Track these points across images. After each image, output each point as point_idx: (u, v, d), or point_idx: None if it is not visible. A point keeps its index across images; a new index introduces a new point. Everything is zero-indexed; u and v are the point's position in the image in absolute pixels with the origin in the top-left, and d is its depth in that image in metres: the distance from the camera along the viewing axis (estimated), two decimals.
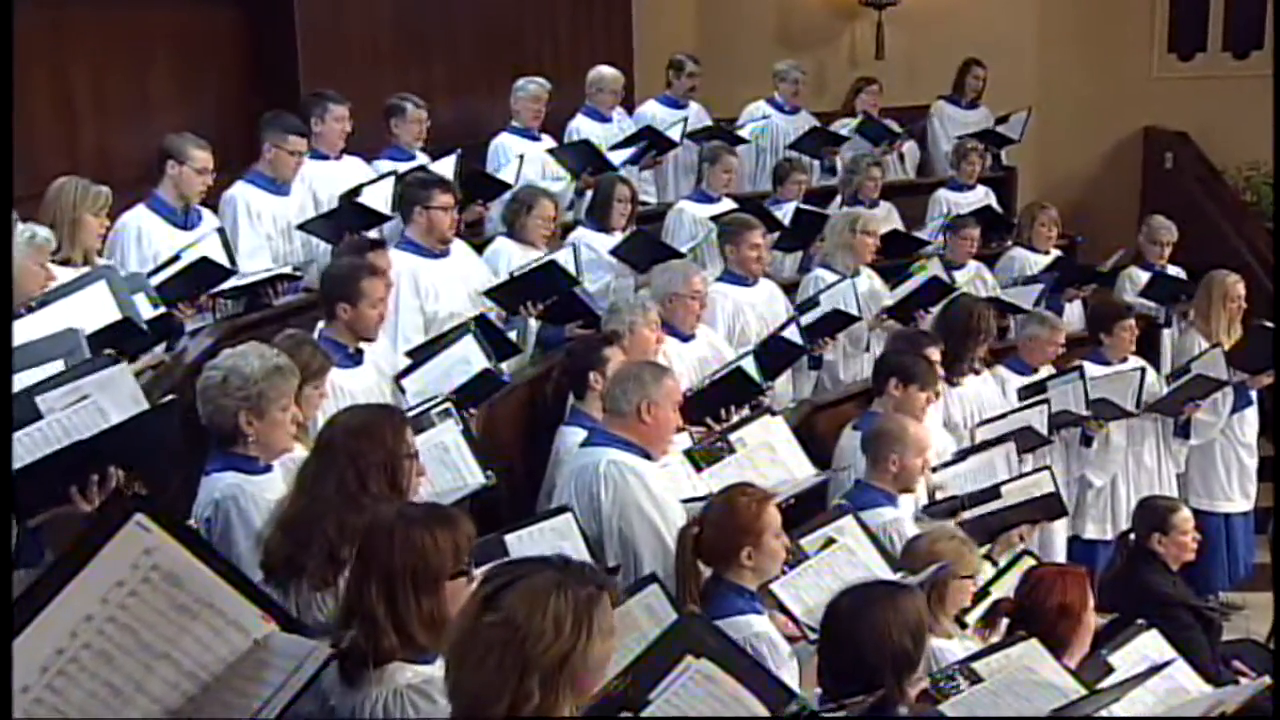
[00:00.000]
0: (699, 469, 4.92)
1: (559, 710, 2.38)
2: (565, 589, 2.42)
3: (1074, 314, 8.12)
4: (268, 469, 3.94)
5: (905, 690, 3.29)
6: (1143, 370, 7.06)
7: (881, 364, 5.96)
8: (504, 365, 5.60)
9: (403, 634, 2.86)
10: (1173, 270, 8.38)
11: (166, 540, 2.38)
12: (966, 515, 5.39)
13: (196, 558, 2.41)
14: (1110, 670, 4.27)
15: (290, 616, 2.59)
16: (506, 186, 7.16)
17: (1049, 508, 5.69)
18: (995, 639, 4.42)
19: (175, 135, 5.96)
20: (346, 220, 6.33)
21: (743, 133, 9.19)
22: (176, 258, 5.50)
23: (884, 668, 3.25)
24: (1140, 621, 4.50)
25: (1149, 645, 4.42)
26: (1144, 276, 8.33)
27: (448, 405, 4.61)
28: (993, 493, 5.54)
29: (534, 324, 6.34)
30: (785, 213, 7.94)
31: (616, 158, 7.97)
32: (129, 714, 2.33)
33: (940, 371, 6.05)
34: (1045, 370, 6.96)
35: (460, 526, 2.99)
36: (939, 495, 5.65)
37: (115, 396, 3.52)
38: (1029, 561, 5.07)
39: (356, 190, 6.53)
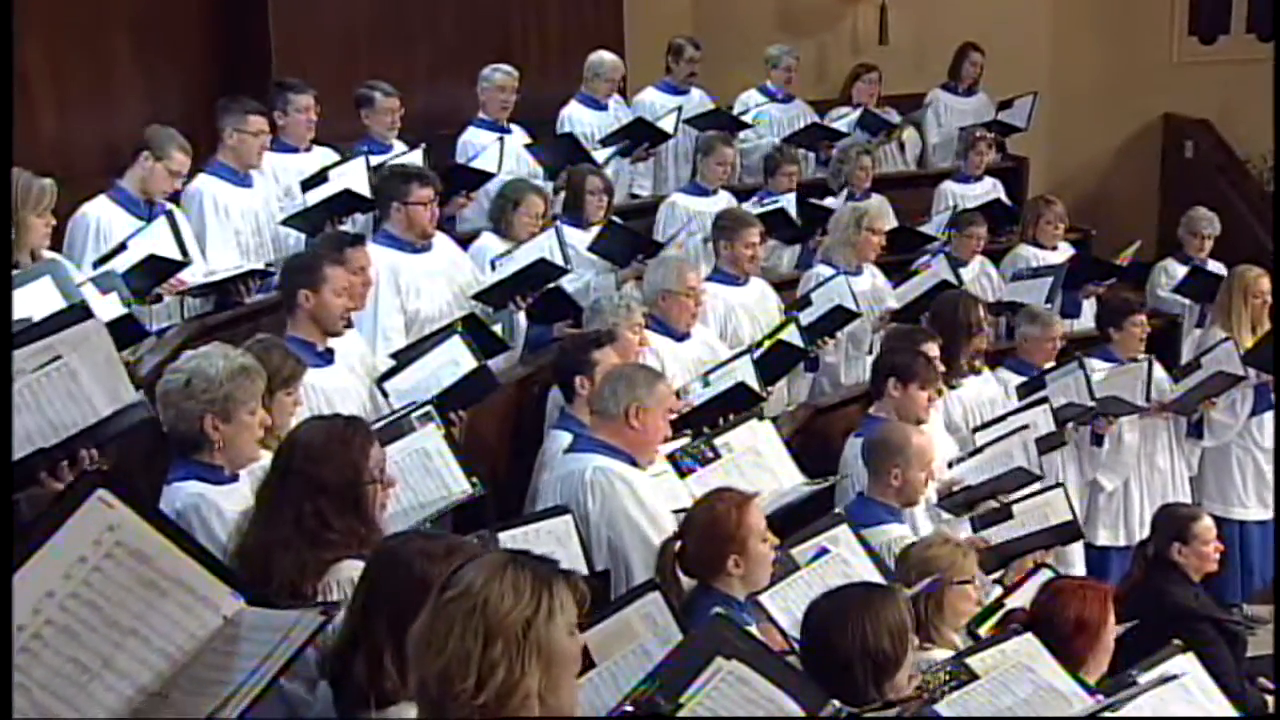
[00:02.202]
0: (683, 476, 4.90)
1: (526, 684, 2.39)
2: (521, 563, 2.46)
3: (1090, 312, 8.11)
4: (233, 479, 3.89)
5: (884, 693, 3.30)
6: (1150, 362, 7.04)
7: (879, 365, 5.95)
8: (491, 364, 5.58)
9: (405, 676, 2.80)
10: (1214, 266, 8.30)
11: (130, 516, 2.41)
12: (980, 538, 5.40)
13: (162, 534, 2.45)
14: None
15: (259, 594, 2.61)
16: (488, 176, 7.12)
17: (1065, 535, 5.70)
18: None
19: (159, 128, 5.92)
20: (327, 210, 6.30)
21: (745, 119, 9.17)
22: (123, 246, 5.47)
23: (862, 670, 3.26)
24: (1176, 642, 4.46)
25: (1184, 669, 4.36)
26: (1181, 270, 8.30)
27: (428, 409, 4.57)
28: (1005, 512, 5.57)
29: (522, 322, 6.33)
30: (787, 204, 7.93)
31: (601, 156, 7.91)
32: (97, 691, 2.37)
33: (939, 369, 6.05)
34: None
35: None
36: (955, 489, 5.67)
37: (89, 358, 3.48)
38: (1045, 572, 5.06)
39: (319, 176, 6.48)
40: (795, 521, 4.66)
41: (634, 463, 4.59)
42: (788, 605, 4.11)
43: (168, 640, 2.43)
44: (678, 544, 4.11)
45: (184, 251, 5.65)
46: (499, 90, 8.05)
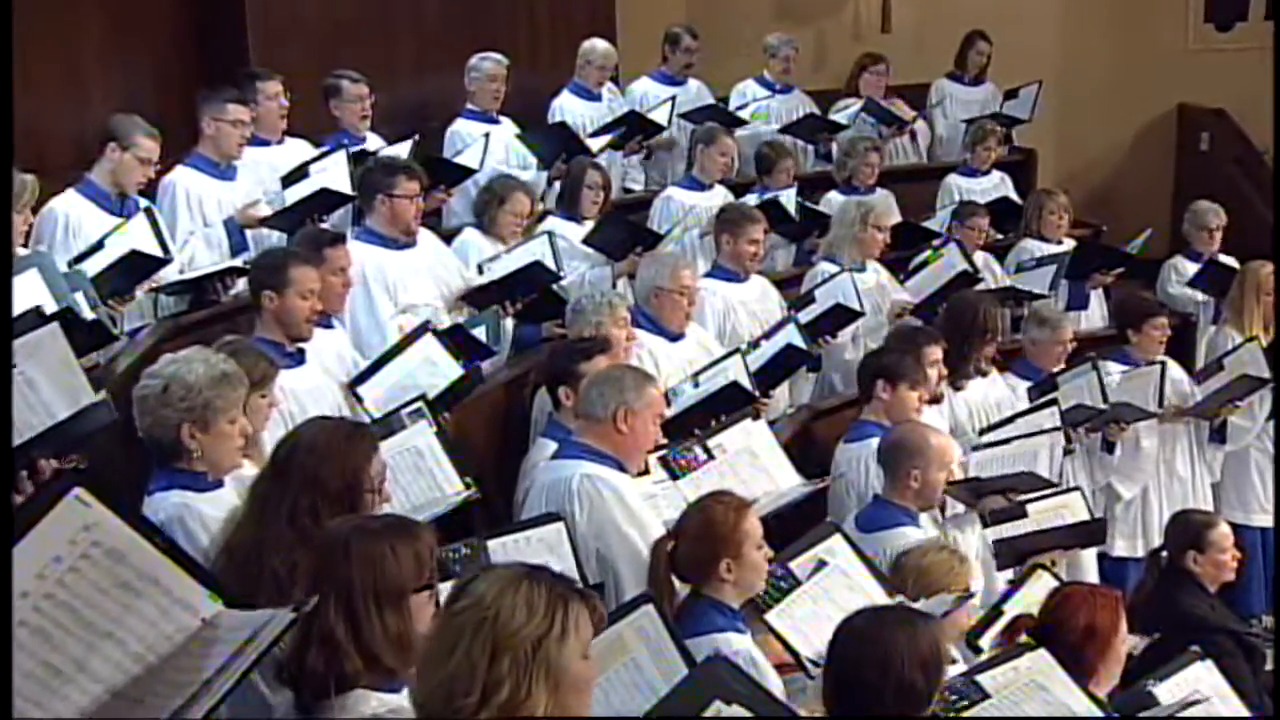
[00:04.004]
0: (675, 477, 4.89)
1: (532, 705, 2.39)
2: (538, 580, 2.47)
3: (1097, 307, 8.10)
4: (218, 485, 3.89)
5: None
6: (1163, 365, 7.02)
7: (865, 366, 5.91)
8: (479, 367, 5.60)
9: (367, 656, 2.85)
10: (1225, 259, 8.25)
11: (107, 516, 2.41)
12: (992, 536, 5.38)
13: (140, 535, 2.45)
14: (1154, 703, 4.21)
15: (237, 597, 2.62)
16: (470, 172, 7.10)
17: (1090, 534, 5.67)
18: None
19: (124, 116, 5.90)
20: (305, 211, 6.28)
21: (743, 114, 9.15)
22: (101, 244, 5.45)
23: (893, 699, 3.22)
24: (1194, 649, 4.44)
25: (1201, 679, 4.35)
26: (1191, 267, 8.27)
27: (419, 405, 4.58)
28: (1018, 511, 5.53)
29: (509, 322, 6.33)
30: (786, 199, 7.92)
31: (595, 144, 7.88)
32: (70, 694, 2.37)
33: (943, 372, 6.03)
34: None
35: (421, 538, 3.01)
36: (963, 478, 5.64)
37: (45, 365, 3.51)
38: (1045, 577, 5.04)
39: (299, 172, 6.46)
40: (786, 525, 4.65)
41: (622, 468, 4.57)
42: (796, 623, 4.11)
43: (144, 643, 2.44)
44: (671, 543, 4.11)
45: (165, 249, 5.63)
46: (489, 80, 8.02)
